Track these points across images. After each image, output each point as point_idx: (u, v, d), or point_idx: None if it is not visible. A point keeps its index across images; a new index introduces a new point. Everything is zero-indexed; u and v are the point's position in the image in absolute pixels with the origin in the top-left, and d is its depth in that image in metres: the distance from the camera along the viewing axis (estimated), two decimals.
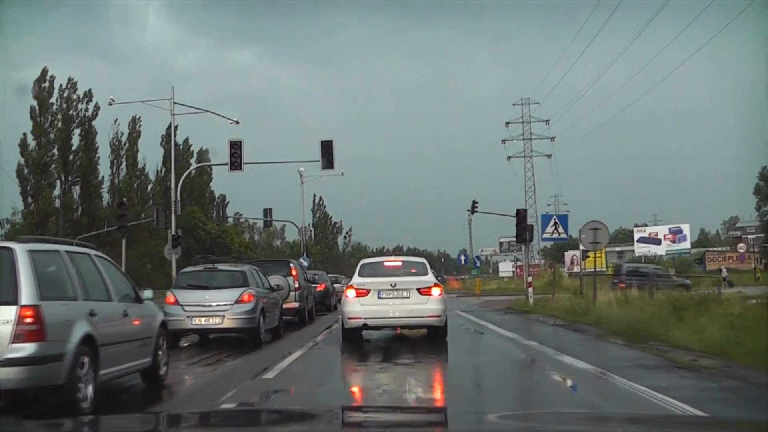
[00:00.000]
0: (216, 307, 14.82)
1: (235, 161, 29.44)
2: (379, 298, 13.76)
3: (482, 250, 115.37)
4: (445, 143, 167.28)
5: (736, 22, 29.12)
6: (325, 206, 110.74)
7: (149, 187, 69.69)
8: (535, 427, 3.47)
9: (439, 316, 13.83)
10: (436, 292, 13.88)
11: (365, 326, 14.01)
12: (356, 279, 14.44)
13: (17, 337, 6.76)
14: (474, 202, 44.48)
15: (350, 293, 14.06)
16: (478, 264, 72.59)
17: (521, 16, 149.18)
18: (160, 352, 9.77)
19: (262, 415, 4.77)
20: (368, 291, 13.82)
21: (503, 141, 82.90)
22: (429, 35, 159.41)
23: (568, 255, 68.99)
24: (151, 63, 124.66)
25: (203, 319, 14.84)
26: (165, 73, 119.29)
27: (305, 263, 36.27)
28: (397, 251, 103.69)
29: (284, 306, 18.56)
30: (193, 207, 67.35)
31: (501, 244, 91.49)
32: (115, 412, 7.89)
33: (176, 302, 14.94)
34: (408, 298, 13.71)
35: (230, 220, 73.84)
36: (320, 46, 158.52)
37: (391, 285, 13.79)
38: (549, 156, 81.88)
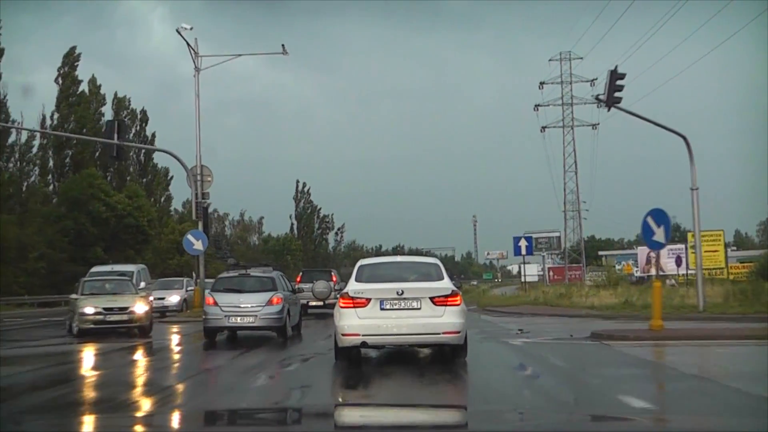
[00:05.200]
0: (249, 308, 17.53)
1: None
2: (381, 309, 11.58)
3: (488, 254, 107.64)
4: (446, 144, 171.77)
5: None
6: (310, 194, 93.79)
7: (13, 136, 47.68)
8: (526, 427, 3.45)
9: (458, 332, 11.65)
10: (454, 301, 11.73)
11: (364, 345, 11.84)
12: (353, 285, 12.07)
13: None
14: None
15: (345, 303, 11.80)
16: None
17: (522, 20, 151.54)
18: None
19: (261, 414, 5.23)
20: (368, 300, 11.60)
21: (536, 106, 70.00)
22: (429, 43, 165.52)
23: (642, 251, 52.25)
24: (156, 69, 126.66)
25: (238, 318, 17.56)
26: (169, 79, 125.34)
27: (200, 244, 27.54)
28: (398, 251, 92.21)
29: (328, 302, 26.52)
30: (91, 169, 48.52)
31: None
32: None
33: (215, 303, 17.64)
34: (419, 309, 11.53)
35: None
36: (323, 53, 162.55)
37: (398, 293, 11.57)
38: (594, 126, 67.66)
